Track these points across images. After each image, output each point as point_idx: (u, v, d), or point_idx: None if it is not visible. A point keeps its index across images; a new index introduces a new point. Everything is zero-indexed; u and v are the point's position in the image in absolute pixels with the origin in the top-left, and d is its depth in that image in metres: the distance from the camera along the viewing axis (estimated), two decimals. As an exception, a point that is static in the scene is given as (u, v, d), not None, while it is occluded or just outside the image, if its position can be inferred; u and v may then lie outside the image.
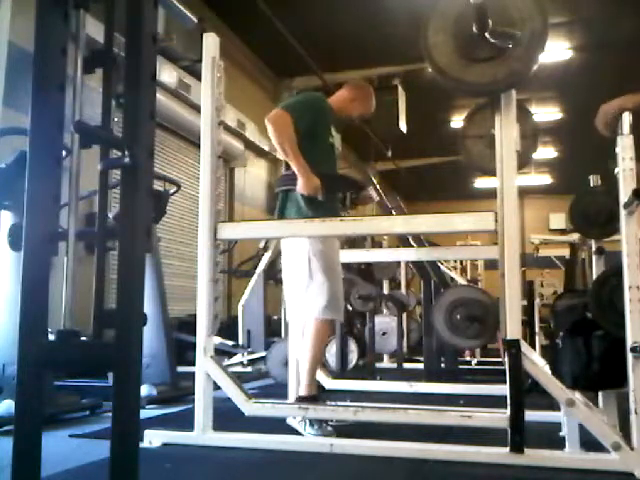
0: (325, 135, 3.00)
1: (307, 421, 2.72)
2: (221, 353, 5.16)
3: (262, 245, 6.37)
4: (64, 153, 1.37)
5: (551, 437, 2.57)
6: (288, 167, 2.94)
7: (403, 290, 6.79)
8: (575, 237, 5.74)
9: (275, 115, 2.86)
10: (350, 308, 5.35)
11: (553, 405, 2.53)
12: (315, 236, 2.81)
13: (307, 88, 9.94)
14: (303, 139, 2.85)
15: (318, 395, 2.91)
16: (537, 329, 4.76)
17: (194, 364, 2.57)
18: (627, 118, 2.19)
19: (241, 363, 5.44)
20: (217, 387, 2.57)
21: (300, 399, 2.83)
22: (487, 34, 2.26)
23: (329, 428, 2.73)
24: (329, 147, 3.03)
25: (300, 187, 2.84)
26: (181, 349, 4.49)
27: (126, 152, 1.22)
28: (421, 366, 5.03)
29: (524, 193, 15.51)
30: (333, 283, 2.89)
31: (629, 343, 2.09)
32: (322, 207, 2.86)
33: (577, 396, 2.29)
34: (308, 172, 2.84)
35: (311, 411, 2.57)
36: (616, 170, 2.21)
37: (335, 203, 3.02)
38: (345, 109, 3.18)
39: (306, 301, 2.90)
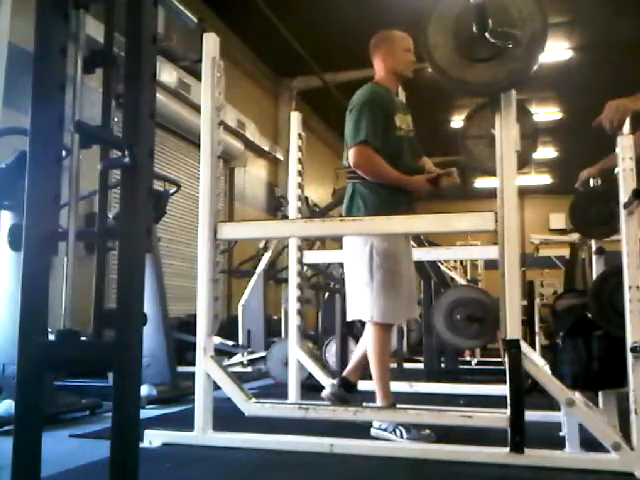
0: (392, 131, 2.81)
1: (401, 428, 2.61)
2: (221, 353, 5.16)
3: (262, 245, 6.37)
4: (64, 153, 1.37)
5: (551, 437, 2.57)
6: None
7: (403, 290, 6.78)
8: (575, 237, 5.74)
9: (358, 157, 2.72)
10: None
11: (553, 405, 2.53)
12: (377, 234, 2.72)
13: (307, 88, 9.96)
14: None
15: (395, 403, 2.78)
16: (537, 329, 4.76)
17: (194, 364, 2.57)
18: (627, 119, 2.20)
19: (241, 363, 5.44)
20: (217, 387, 2.57)
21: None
22: (487, 34, 2.26)
23: (427, 431, 2.59)
24: (398, 140, 2.83)
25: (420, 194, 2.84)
26: (181, 349, 4.49)
27: (126, 152, 1.22)
28: (421, 366, 5.03)
29: (524, 193, 15.50)
30: (394, 285, 2.76)
31: (629, 343, 2.09)
32: (390, 201, 2.77)
33: (577, 396, 2.29)
34: (411, 180, 2.78)
35: (311, 411, 2.57)
36: (616, 170, 2.22)
37: (406, 197, 2.83)
38: (391, 76, 2.90)
39: (365, 302, 2.77)
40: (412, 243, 4.33)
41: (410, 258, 2.99)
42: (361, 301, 2.80)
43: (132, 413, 1.20)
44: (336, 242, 5.62)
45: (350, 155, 2.75)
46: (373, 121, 2.73)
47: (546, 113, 10.94)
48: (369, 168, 2.75)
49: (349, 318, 2.93)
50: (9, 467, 1.23)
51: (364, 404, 2.79)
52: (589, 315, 2.38)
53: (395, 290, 2.76)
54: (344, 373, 3.04)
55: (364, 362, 2.97)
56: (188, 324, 4.89)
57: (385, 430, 2.68)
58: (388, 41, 2.90)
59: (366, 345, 2.83)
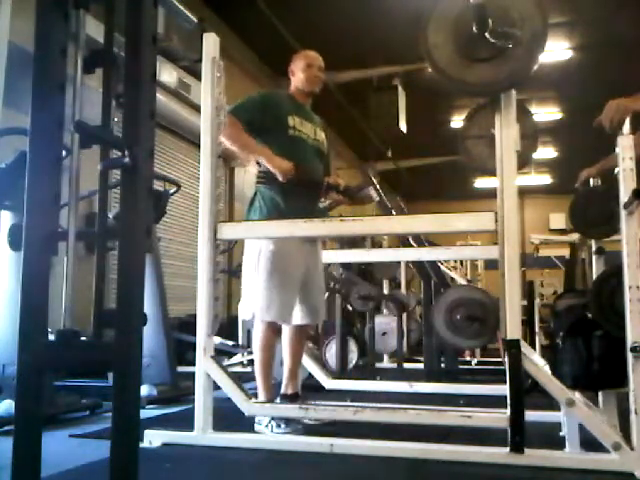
0: (283, 129, 2.90)
1: (273, 422, 2.72)
2: (221, 353, 5.16)
3: (262, 245, 6.35)
4: (64, 153, 1.37)
5: (551, 437, 2.57)
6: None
7: (403, 290, 6.79)
8: (575, 237, 5.74)
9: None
10: (350, 308, 5.36)
11: (553, 405, 2.53)
12: (267, 238, 2.79)
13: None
14: (257, 137, 2.87)
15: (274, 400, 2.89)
16: (537, 329, 4.76)
17: (194, 364, 2.57)
18: (627, 119, 2.20)
19: (241, 363, 5.43)
20: (217, 387, 2.57)
21: None
22: (487, 34, 2.26)
23: (299, 426, 2.73)
24: (292, 139, 2.92)
25: (276, 174, 2.81)
26: (181, 349, 4.49)
27: (126, 152, 1.22)
28: (421, 366, 5.03)
29: (524, 193, 15.50)
30: (276, 285, 2.82)
31: (629, 343, 2.09)
32: (285, 207, 2.84)
33: (577, 396, 2.29)
34: (273, 156, 2.82)
35: (311, 411, 2.57)
36: (616, 170, 2.22)
37: (307, 204, 2.91)
38: (295, 90, 3.10)
39: (250, 301, 2.89)
40: (412, 243, 4.34)
41: (311, 262, 3.00)
42: (247, 300, 2.90)
43: (132, 413, 1.20)
44: (336, 242, 5.63)
45: None
46: (248, 102, 2.92)
47: (546, 113, 10.93)
48: (228, 133, 2.78)
49: (240, 317, 2.98)
50: (9, 467, 1.23)
51: (364, 404, 2.79)
52: (589, 315, 2.38)
53: (279, 289, 2.83)
54: (281, 391, 3.07)
55: (293, 369, 3.09)
56: (188, 324, 4.87)
57: (260, 424, 2.76)
58: (293, 62, 3.14)
59: (253, 342, 2.94)
